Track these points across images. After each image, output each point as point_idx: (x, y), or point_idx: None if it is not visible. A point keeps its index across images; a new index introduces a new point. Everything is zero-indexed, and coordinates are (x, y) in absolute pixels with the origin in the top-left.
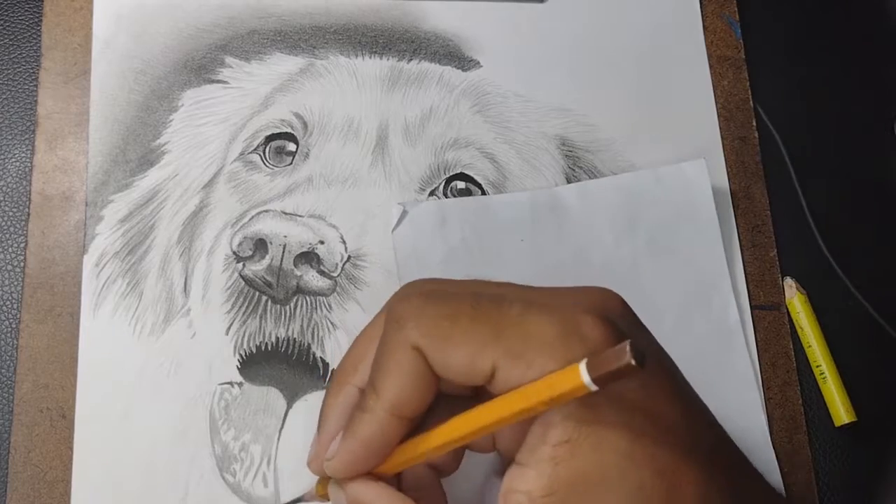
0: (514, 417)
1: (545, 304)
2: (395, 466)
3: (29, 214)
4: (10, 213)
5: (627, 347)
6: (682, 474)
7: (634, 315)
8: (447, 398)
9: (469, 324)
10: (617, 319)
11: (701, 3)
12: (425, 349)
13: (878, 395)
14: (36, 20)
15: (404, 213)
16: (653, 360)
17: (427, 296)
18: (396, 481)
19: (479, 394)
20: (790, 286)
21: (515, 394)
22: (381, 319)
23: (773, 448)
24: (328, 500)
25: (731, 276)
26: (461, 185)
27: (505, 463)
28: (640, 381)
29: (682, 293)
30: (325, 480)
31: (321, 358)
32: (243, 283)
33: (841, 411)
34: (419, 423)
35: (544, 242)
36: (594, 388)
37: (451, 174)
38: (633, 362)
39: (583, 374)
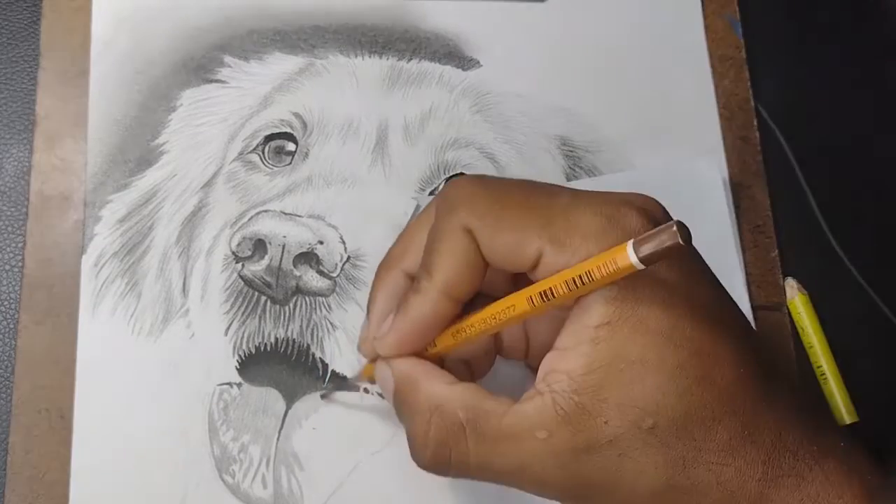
0: (564, 299)
1: (591, 198)
2: (442, 349)
3: (27, 214)
4: (9, 214)
5: (674, 227)
6: (719, 356)
7: (671, 217)
8: (486, 299)
9: (518, 210)
10: (658, 219)
11: (702, 2)
12: (476, 232)
13: (881, 395)
14: (34, 20)
15: (418, 209)
16: (691, 250)
17: (479, 182)
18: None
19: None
20: (791, 286)
21: (563, 273)
22: (432, 209)
23: None
24: (373, 382)
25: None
26: None
27: (534, 375)
28: (679, 265)
29: None
30: (373, 363)
31: (320, 358)
32: (242, 283)
33: (843, 412)
34: (464, 312)
35: None
36: (640, 266)
37: (451, 174)
38: (679, 241)
39: (629, 252)
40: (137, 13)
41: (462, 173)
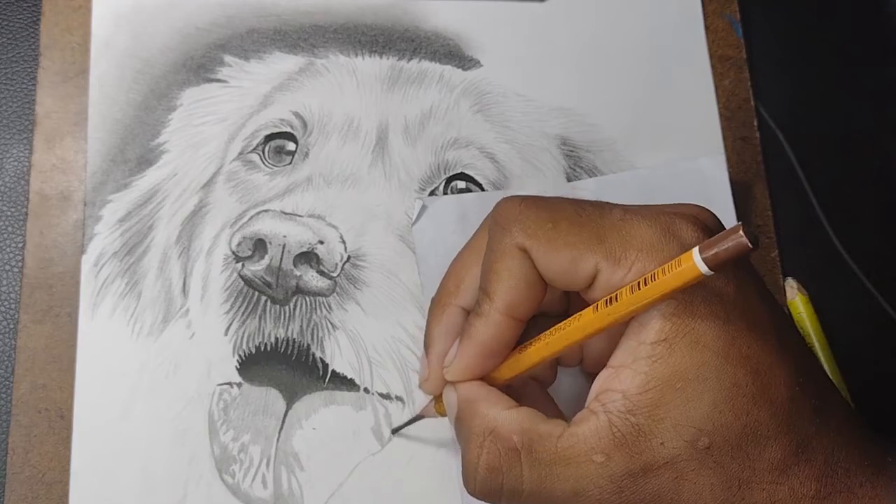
0: (632, 313)
1: (644, 212)
2: (507, 376)
3: (27, 214)
4: (8, 213)
5: (741, 229)
6: (774, 374)
7: (725, 226)
8: (541, 317)
9: (571, 227)
10: (712, 229)
11: (702, 2)
12: (531, 251)
13: (881, 395)
14: (34, 19)
15: (423, 208)
16: (746, 262)
17: (529, 201)
18: (507, 391)
19: (568, 308)
20: (791, 287)
21: (629, 292)
22: (478, 239)
23: None
24: (443, 415)
25: None
26: (461, 184)
27: (590, 378)
28: (735, 279)
29: None
30: (439, 398)
31: (321, 358)
32: (242, 283)
33: None
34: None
35: None
36: (708, 272)
37: (452, 174)
38: (748, 242)
39: (696, 259)
40: (137, 12)
41: (464, 173)
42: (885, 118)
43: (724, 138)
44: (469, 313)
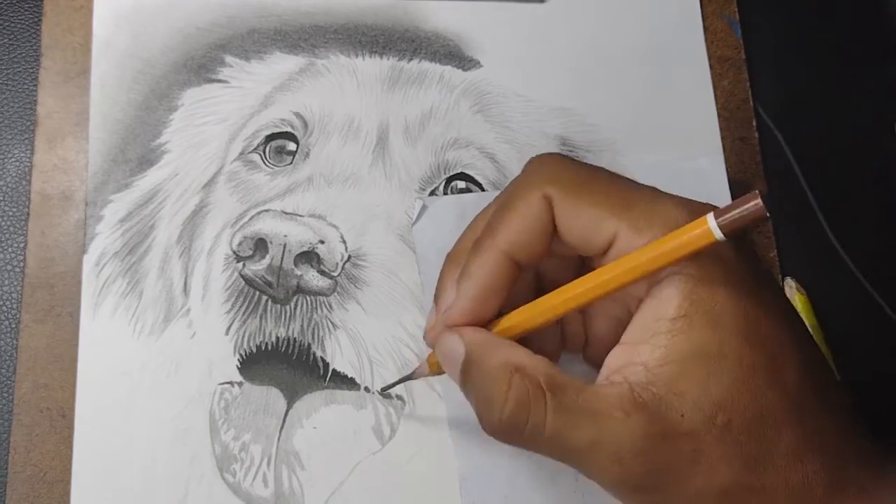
0: (642, 270)
1: (675, 196)
2: (514, 327)
3: (28, 214)
4: (10, 213)
5: (758, 197)
6: (787, 359)
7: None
8: (551, 286)
9: (602, 189)
10: None
11: (701, 3)
12: (555, 199)
13: (881, 395)
14: (36, 19)
15: (424, 208)
16: (759, 259)
17: (567, 158)
18: None
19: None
20: (790, 287)
21: (644, 249)
22: (504, 192)
23: None
24: (439, 373)
25: None
26: (461, 184)
27: (593, 369)
28: (752, 268)
29: None
30: (432, 357)
31: (321, 358)
32: (243, 282)
33: None
34: (528, 292)
35: None
36: (721, 237)
37: (452, 174)
38: (763, 208)
39: (710, 222)
40: (138, 13)
41: (464, 173)
42: (885, 119)
43: (723, 138)
44: None
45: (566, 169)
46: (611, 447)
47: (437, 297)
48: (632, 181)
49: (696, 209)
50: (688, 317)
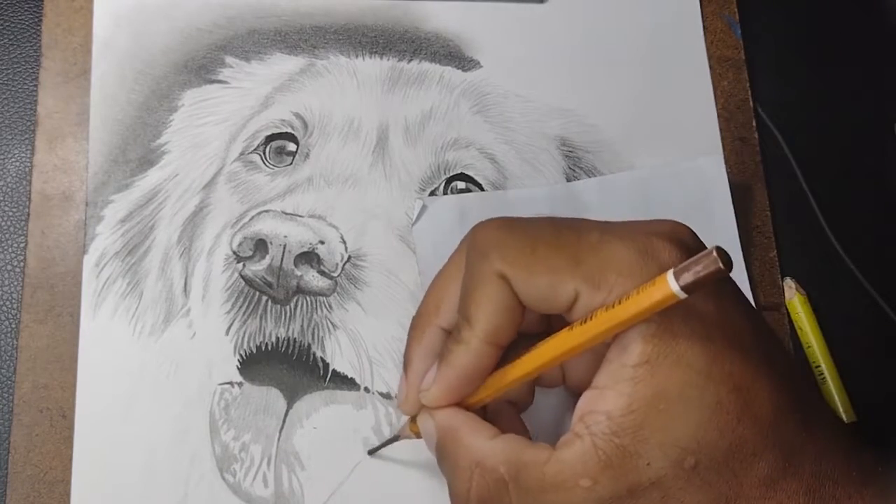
0: (606, 334)
1: (621, 232)
2: (485, 396)
3: (29, 214)
4: (10, 213)
5: (715, 252)
6: (758, 390)
7: (703, 244)
8: (521, 338)
9: (549, 250)
10: (691, 249)
11: (701, 3)
12: (510, 278)
13: (880, 395)
14: (36, 20)
15: (424, 208)
16: (727, 278)
17: (507, 226)
18: (482, 414)
19: (550, 328)
20: (790, 287)
21: (606, 313)
22: (457, 259)
23: None
24: (420, 437)
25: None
26: (461, 185)
27: (573, 397)
28: (715, 296)
29: None
30: (415, 419)
31: (321, 358)
32: (243, 283)
33: (840, 411)
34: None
35: None
36: (682, 295)
37: (452, 174)
38: (721, 266)
39: (671, 282)
40: (138, 13)
41: (464, 173)
42: (884, 119)
43: (723, 139)
44: (448, 333)
45: (511, 241)
46: None
47: (406, 369)
48: (577, 224)
49: (644, 245)
50: (650, 363)
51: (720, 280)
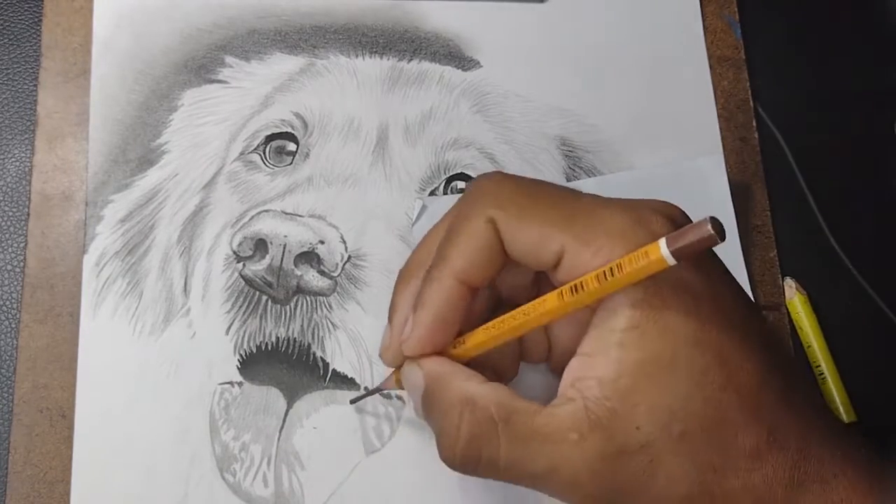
0: (595, 293)
1: (617, 201)
2: (469, 350)
3: (28, 214)
4: (10, 213)
5: (709, 222)
6: (743, 361)
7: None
8: (509, 305)
9: (544, 205)
10: (681, 223)
11: (701, 3)
12: (499, 222)
13: (880, 395)
14: (36, 20)
15: (423, 208)
16: (713, 254)
17: (508, 176)
18: None
19: (539, 295)
20: (790, 286)
21: (596, 274)
22: (454, 212)
23: None
24: (402, 388)
25: None
26: (461, 184)
27: (557, 378)
28: (704, 269)
29: None
30: (398, 371)
31: (321, 358)
32: (243, 282)
33: (841, 411)
34: (486, 314)
35: None
36: (672, 261)
37: (452, 174)
38: (713, 233)
39: (662, 248)
40: (138, 13)
41: (464, 173)
42: (884, 119)
43: (723, 139)
44: None
45: (508, 189)
46: (567, 471)
47: (390, 317)
48: (575, 192)
49: (637, 214)
50: (639, 328)
51: (710, 257)
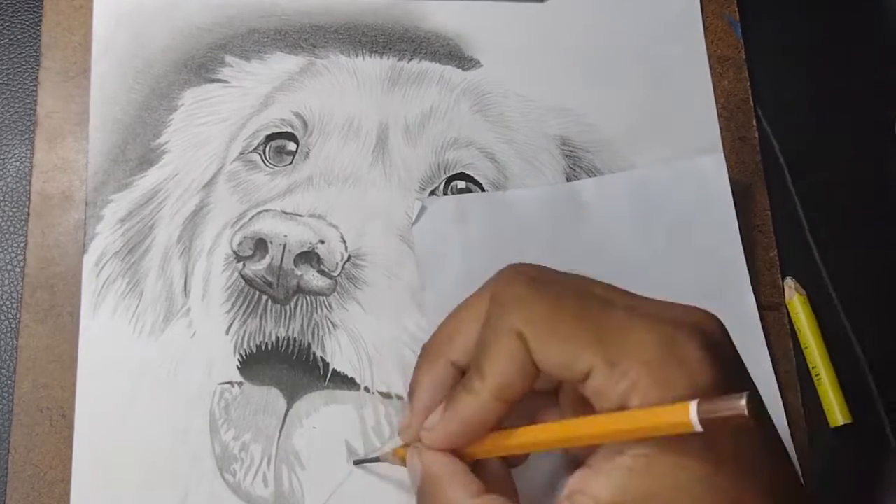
0: (611, 436)
1: (649, 317)
2: (482, 453)
3: (28, 214)
4: (10, 213)
5: (744, 400)
6: (752, 501)
7: (732, 343)
8: (533, 394)
9: (572, 321)
10: (717, 346)
11: (701, 2)
12: (528, 338)
13: (878, 395)
14: (36, 19)
15: (423, 209)
16: (759, 404)
17: (533, 284)
18: (472, 467)
19: (559, 388)
20: (790, 286)
21: (619, 416)
22: (482, 299)
23: None
24: (403, 465)
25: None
26: (461, 184)
27: (570, 461)
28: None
29: (699, 287)
30: (404, 447)
31: (321, 357)
32: (243, 282)
33: (836, 413)
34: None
35: (562, 236)
36: (699, 429)
37: (452, 174)
38: (746, 414)
39: (692, 414)
40: (138, 12)
41: (464, 173)
42: (884, 119)
43: (723, 138)
44: (456, 369)
45: (534, 300)
46: None
47: (412, 394)
48: (606, 296)
49: (669, 337)
50: (648, 457)
51: (752, 427)
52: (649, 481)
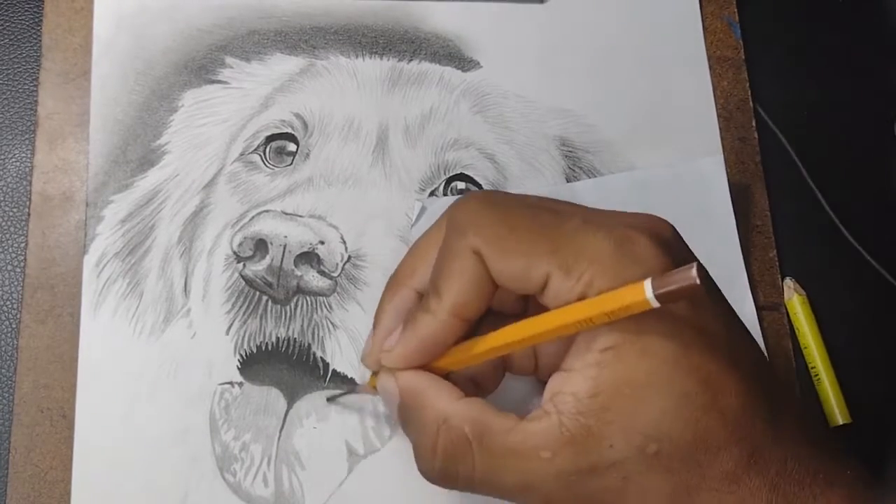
0: (573, 327)
1: (601, 222)
2: (448, 364)
3: (29, 215)
4: (11, 214)
5: (694, 269)
6: (726, 385)
7: (684, 243)
8: (496, 315)
9: (526, 234)
10: (668, 243)
11: (701, 3)
12: (485, 255)
13: (878, 396)
14: (36, 21)
15: (423, 210)
16: (706, 277)
17: (487, 203)
18: None
19: (527, 310)
20: (789, 287)
21: (577, 305)
22: (440, 227)
23: None
24: (376, 393)
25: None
26: (461, 185)
27: (541, 384)
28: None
29: None
30: (375, 376)
31: (321, 358)
32: (244, 283)
33: (836, 413)
34: (474, 328)
35: None
36: (656, 304)
37: (452, 174)
38: (698, 282)
39: (647, 290)
40: (139, 14)
41: (464, 174)
42: (884, 119)
43: (723, 139)
44: (419, 295)
45: (488, 217)
46: (540, 488)
47: (376, 322)
48: (558, 208)
49: (622, 237)
50: (616, 348)
51: (703, 293)
52: (620, 370)
